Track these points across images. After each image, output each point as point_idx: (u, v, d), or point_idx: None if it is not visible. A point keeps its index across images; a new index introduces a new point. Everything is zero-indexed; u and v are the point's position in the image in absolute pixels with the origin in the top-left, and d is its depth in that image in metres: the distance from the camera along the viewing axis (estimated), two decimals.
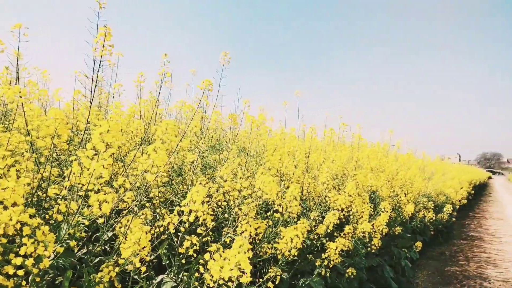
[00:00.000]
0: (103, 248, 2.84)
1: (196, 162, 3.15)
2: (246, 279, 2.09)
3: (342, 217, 4.44)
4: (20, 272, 1.88)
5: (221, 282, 2.63)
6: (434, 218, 7.10)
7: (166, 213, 3.30)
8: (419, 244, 6.63)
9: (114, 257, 2.47)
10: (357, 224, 4.99)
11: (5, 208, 1.86)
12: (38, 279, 1.97)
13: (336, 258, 4.06)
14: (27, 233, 1.85)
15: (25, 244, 1.88)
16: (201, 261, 2.55)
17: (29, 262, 1.86)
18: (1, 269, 1.92)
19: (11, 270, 1.88)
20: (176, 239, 3.10)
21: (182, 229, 2.62)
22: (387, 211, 5.02)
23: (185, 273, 3.31)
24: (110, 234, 2.81)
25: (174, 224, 2.66)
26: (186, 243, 2.93)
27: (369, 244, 5.08)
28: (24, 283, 1.93)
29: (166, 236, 2.97)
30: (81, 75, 3.63)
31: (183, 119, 5.10)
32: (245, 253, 2.10)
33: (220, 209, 3.76)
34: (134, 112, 3.28)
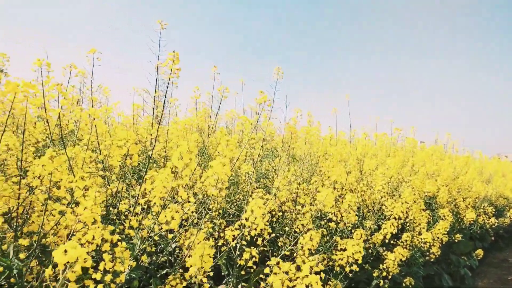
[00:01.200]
0: (167, 258, 2.94)
1: (252, 173, 3.17)
2: None
3: (399, 225, 4.28)
4: (100, 287, 1.99)
5: None
6: (495, 224, 6.66)
7: (224, 223, 3.36)
8: (480, 252, 6.25)
9: (179, 269, 2.54)
10: (414, 232, 4.79)
11: (85, 225, 1.98)
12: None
13: (395, 269, 3.92)
14: (106, 249, 1.96)
15: (104, 260, 1.99)
16: (261, 275, 2.57)
17: (108, 277, 1.96)
18: (82, 283, 2.04)
19: (91, 285, 1.99)
20: (234, 250, 3.13)
21: (243, 242, 2.64)
22: (447, 219, 4.77)
23: (244, 284, 3.35)
24: (173, 245, 2.90)
25: (234, 236, 2.69)
26: (246, 255, 2.95)
27: (427, 253, 4.86)
28: None
29: (226, 247, 3.02)
30: (139, 90, 3.79)
31: (233, 126, 5.18)
32: (317, 274, 2.08)
33: (274, 218, 3.77)
34: (191, 125, 3.37)
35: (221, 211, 3.27)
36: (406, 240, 4.51)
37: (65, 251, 1.20)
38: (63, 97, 2.13)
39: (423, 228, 4.67)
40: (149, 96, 3.09)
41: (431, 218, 5.12)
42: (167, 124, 3.20)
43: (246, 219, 2.67)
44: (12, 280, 2.06)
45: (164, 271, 2.68)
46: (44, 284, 1.54)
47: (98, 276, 2.04)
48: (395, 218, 4.10)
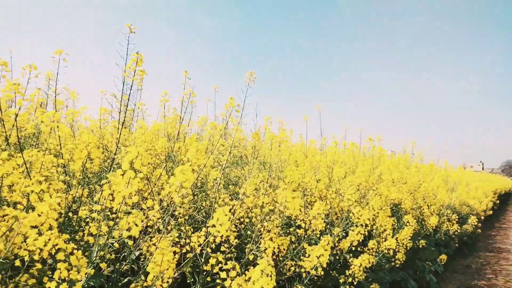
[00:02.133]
0: (130, 267, 2.87)
1: (220, 179, 3.16)
2: None
3: (365, 232, 4.37)
4: None
5: None
6: (458, 230, 6.91)
7: (190, 230, 3.32)
8: (443, 257, 6.46)
9: (141, 277, 2.49)
10: (380, 238, 4.90)
11: (40, 233, 1.91)
12: None
13: (361, 275, 3.99)
14: (61, 258, 1.89)
15: (59, 269, 1.93)
16: (218, 280, 2.56)
17: (63, 286, 1.90)
18: None
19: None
20: (200, 257, 3.11)
21: (208, 249, 2.63)
22: (411, 225, 4.92)
23: None
24: (137, 253, 2.84)
25: (199, 243, 2.67)
26: (212, 261, 2.93)
27: (393, 259, 4.98)
28: None
29: (191, 254, 2.99)
30: (107, 94, 3.72)
31: (203, 133, 5.16)
32: (269, 276, 2.09)
33: (242, 225, 3.77)
34: (158, 130, 3.34)
35: (187, 218, 3.24)
36: (372, 248, 4.61)
37: None
38: (21, 97, 2.06)
39: (389, 234, 4.79)
40: (117, 100, 3.05)
41: (396, 224, 5.26)
42: (135, 130, 3.16)
43: (213, 226, 2.66)
44: None
45: (126, 279, 2.62)
46: None
47: (53, 285, 1.97)
48: (362, 225, 4.19)
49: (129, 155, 1.95)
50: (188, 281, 3.24)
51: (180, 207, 3.11)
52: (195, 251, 2.94)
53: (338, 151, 4.95)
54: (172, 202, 2.79)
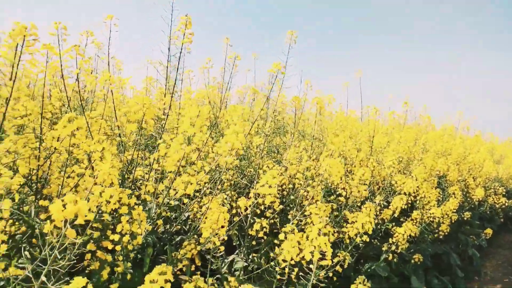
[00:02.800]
0: (180, 227, 2.99)
1: (263, 145, 3.18)
2: (327, 262, 2.10)
3: (409, 202, 4.29)
4: (118, 248, 2.05)
5: (292, 262, 2.68)
6: (506, 204, 6.63)
7: (235, 195, 3.40)
8: (489, 231, 6.24)
9: (194, 236, 2.60)
10: (424, 210, 4.79)
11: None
12: (132, 255, 2.13)
13: (404, 244, 3.94)
14: (124, 212, 2.00)
15: (122, 222, 2.04)
16: (275, 241, 2.62)
17: (126, 238, 2.02)
18: (100, 244, 2.10)
19: (110, 246, 2.05)
20: (245, 221, 3.18)
21: (257, 211, 2.68)
22: (457, 197, 4.76)
23: (254, 254, 3.41)
24: (186, 214, 2.95)
25: (249, 206, 2.73)
26: (256, 226, 3.00)
27: (436, 230, 4.88)
28: (120, 258, 2.10)
29: (237, 218, 3.06)
30: (153, 62, 3.78)
31: (243, 103, 5.16)
32: (326, 235, 2.10)
33: (284, 192, 3.80)
34: (203, 97, 3.38)
35: (232, 183, 3.31)
36: (416, 218, 4.52)
37: (64, 205, 1.17)
38: (81, 58, 2.14)
39: (433, 205, 4.67)
40: (163, 68, 3.09)
41: (441, 196, 5.11)
42: (179, 96, 3.20)
43: (262, 186, 2.69)
44: (33, 240, 2.12)
45: (179, 238, 2.73)
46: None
47: (116, 237, 2.10)
48: (405, 194, 4.11)
49: (189, 113, 1.99)
50: (234, 244, 3.34)
51: (226, 172, 3.17)
52: (241, 215, 3.01)
53: (380, 119, 4.82)
54: (218, 166, 2.85)
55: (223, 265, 3.10)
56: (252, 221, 3.15)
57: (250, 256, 3.31)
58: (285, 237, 2.63)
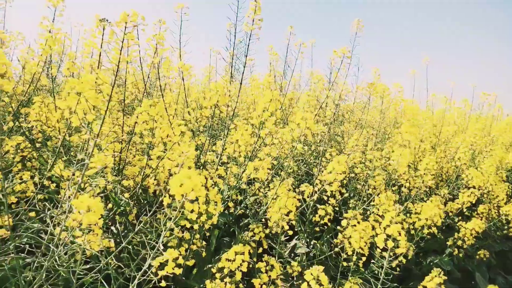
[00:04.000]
0: (243, 211, 3.07)
1: (327, 133, 3.15)
2: (402, 250, 2.06)
3: (477, 195, 4.06)
4: (196, 227, 2.15)
5: (359, 250, 2.66)
6: None
7: (295, 183, 3.41)
8: None
9: (261, 219, 2.66)
10: (491, 205, 4.51)
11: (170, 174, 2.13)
12: (208, 234, 2.23)
13: (471, 239, 3.76)
14: (201, 194, 2.09)
15: (198, 202, 2.14)
16: (338, 227, 2.62)
17: (203, 218, 2.12)
18: (178, 223, 2.22)
19: (188, 224, 2.16)
20: (307, 207, 3.19)
21: (324, 197, 2.68)
22: None
23: (315, 241, 3.42)
24: (252, 199, 3.02)
25: (315, 193, 2.74)
26: (321, 212, 3.00)
27: (505, 227, 4.58)
28: (197, 236, 2.21)
29: (299, 203, 3.08)
30: (215, 51, 3.86)
31: (298, 91, 5.13)
32: (400, 223, 2.06)
33: (344, 181, 3.76)
34: (270, 83, 3.40)
35: (294, 170, 3.32)
36: (482, 212, 4.29)
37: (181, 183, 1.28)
38: (161, 47, 2.25)
39: (502, 200, 4.38)
40: (229, 55, 3.15)
41: (511, 191, 4.78)
42: (244, 83, 3.25)
43: (330, 172, 2.68)
44: (117, 218, 2.29)
45: (246, 220, 2.81)
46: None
47: (193, 216, 2.21)
48: (474, 188, 3.90)
49: (261, 102, 2.02)
50: (296, 229, 3.38)
51: (291, 159, 3.19)
52: (302, 202, 3.02)
53: (447, 108, 4.57)
54: (284, 152, 2.87)
55: (285, 249, 3.15)
56: (314, 208, 3.15)
57: (312, 243, 3.33)
58: (348, 224, 2.62)
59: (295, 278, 2.95)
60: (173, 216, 1.32)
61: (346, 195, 3.04)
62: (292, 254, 3.32)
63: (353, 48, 3.08)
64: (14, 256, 1.49)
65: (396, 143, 3.32)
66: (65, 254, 1.42)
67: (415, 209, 3.40)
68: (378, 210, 3.04)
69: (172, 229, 2.30)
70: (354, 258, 2.62)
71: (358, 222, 2.49)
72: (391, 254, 2.08)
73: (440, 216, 2.96)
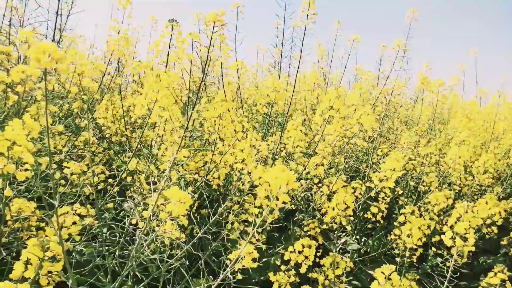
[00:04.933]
0: (295, 206, 3.10)
1: (380, 129, 3.12)
2: (469, 248, 2.03)
3: None
4: (258, 220, 2.21)
5: (414, 247, 2.62)
6: None
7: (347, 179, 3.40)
8: None
9: (316, 215, 2.69)
10: None
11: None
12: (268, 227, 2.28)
13: None
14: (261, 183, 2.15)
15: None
16: (395, 223, 2.61)
17: (266, 212, 2.17)
18: (240, 217, 2.30)
19: (250, 218, 2.23)
20: (358, 205, 3.18)
21: (382, 194, 2.66)
22: None
23: (365, 238, 3.41)
24: (302, 195, 3.04)
25: (373, 189, 2.72)
26: (373, 209, 2.97)
27: None
28: (259, 230, 2.27)
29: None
30: (262, 48, 3.89)
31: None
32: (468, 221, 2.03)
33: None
34: (317, 80, 3.41)
35: (347, 166, 3.31)
36: None
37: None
38: (226, 46, 2.32)
39: None
40: (278, 51, 3.18)
41: None
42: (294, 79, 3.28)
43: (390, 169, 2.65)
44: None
45: (301, 216, 2.84)
46: None
47: (255, 210, 2.27)
48: None
49: (325, 99, 2.04)
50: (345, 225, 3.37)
51: (347, 155, 3.18)
52: (356, 199, 3.01)
53: (498, 104, 4.38)
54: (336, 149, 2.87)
55: (336, 246, 3.16)
56: (365, 205, 3.13)
57: (362, 239, 3.32)
58: (405, 221, 2.59)
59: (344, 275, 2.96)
60: (265, 206, 1.38)
61: (401, 191, 3.00)
62: (340, 251, 3.32)
63: (407, 41, 3.03)
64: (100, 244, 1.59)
65: (450, 139, 3.24)
66: (150, 242, 1.50)
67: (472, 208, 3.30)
68: (433, 207, 2.99)
69: (232, 223, 2.38)
70: (408, 254, 2.59)
71: (417, 217, 2.46)
72: (452, 252, 2.05)
73: (500, 213, 2.86)
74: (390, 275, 1.65)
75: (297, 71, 2.51)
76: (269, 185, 1.33)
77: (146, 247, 1.48)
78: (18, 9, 2.31)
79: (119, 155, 2.38)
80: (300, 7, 2.63)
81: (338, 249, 3.26)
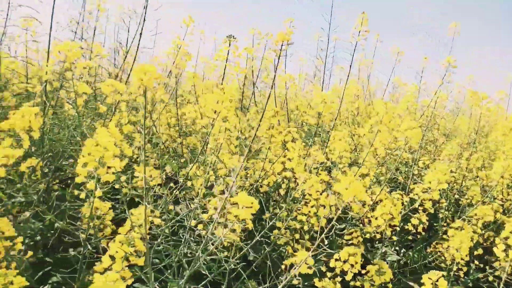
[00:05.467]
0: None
1: (421, 141, 3.14)
2: None
3: None
4: (306, 227, 2.31)
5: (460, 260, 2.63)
6: None
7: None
8: None
9: (359, 224, 2.75)
10: None
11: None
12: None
13: None
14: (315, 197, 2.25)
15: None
16: (445, 236, 2.62)
17: (313, 220, 2.27)
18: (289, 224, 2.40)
19: (297, 225, 2.33)
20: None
21: (427, 205, 2.69)
22: None
23: (405, 250, 3.42)
24: (343, 204, 3.10)
25: (415, 200, 2.76)
26: (414, 221, 3.00)
27: None
28: (307, 237, 2.36)
29: None
30: (305, 60, 4.00)
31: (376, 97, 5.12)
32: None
33: None
34: (357, 91, 3.48)
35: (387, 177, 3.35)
36: None
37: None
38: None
39: None
40: (320, 62, 3.28)
41: None
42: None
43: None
44: None
45: (343, 225, 2.90)
46: None
47: (303, 218, 2.37)
48: None
49: (375, 111, 2.11)
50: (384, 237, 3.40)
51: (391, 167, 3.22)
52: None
53: None
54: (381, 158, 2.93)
55: (375, 256, 3.18)
56: (405, 216, 3.15)
57: (402, 251, 3.33)
58: (454, 234, 2.60)
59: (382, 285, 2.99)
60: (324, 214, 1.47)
61: (445, 203, 3.01)
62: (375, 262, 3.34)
63: (450, 55, 3.06)
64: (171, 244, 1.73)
65: (492, 152, 3.22)
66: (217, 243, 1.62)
67: None
68: (477, 221, 2.98)
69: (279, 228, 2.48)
70: (455, 268, 2.60)
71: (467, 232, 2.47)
72: (503, 264, 2.05)
73: None
74: (437, 280, 1.69)
75: (346, 83, 2.60)
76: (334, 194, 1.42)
77: (210, 246, 1.60)
78: (90, 24, 2.53)
79: (173, 160, 2.54)
80: (353, 24, 2.72)
81: (377, 259, 3.29)
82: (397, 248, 3.33)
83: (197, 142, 2.87)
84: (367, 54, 3.85)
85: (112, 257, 1.35)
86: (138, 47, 2.23)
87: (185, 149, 2.84)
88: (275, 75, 1.77)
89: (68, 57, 1.57)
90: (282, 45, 1.69)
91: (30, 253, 1.53)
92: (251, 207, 1.46)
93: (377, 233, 2.60)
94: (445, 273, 2.68)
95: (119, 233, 1.68)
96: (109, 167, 1.44)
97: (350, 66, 2.64)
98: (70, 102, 1.67)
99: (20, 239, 1.51)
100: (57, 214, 1.89)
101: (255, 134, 2.10)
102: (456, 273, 2.61)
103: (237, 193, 1.49)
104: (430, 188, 2.60)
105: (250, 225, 1.52)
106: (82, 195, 1.39)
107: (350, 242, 2.71)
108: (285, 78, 2.58)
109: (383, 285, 2.21)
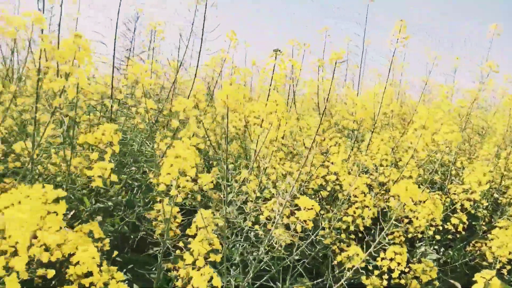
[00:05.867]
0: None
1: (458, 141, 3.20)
2: None
3: None
4: (352, 227, 2.45)
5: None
6: None
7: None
8: None
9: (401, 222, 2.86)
10: None
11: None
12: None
13: None
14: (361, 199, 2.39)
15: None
16: (490, 235, 2.68)
17: (359, 220, 2.40)
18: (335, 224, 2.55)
19: (343, 226, 2.47)
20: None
21: (467, 205, 2.76)
22: None
23: (444, 249, 3.48)
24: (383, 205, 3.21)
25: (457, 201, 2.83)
26: (454, 220, 3.06)
27: None
28: (352, 236, 2.50)
29: None
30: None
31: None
32: None
33: None
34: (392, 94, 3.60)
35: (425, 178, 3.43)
36: None
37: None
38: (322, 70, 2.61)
39: None
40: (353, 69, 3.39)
41: None
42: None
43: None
44: None
45: (384, 224, 3.01)
46: None
47: (349, 219, 2.51)
48: None
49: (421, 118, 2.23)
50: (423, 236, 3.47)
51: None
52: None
53: None
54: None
55: (415, 255, 3.27)
56: (444, 215, 3.21)
57: (441, 250, 3.39)
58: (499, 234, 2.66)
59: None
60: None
61: (485, 204, 3.06)
62: (415, 261, 3.41)
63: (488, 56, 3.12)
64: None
65: None
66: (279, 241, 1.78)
67: None
68: None
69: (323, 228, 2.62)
70: (498, 265, 2.66)
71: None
72: None
73: None
74: (491, 279, 1.78)
75: (385, 88, 2.72)
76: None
77: (274, 245, 1.76)
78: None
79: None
80: (391, 32, 2.84)
81: (417, 258, 3.37)
82: (435, 247, 3.39)
83: (240, 148, 3.06)
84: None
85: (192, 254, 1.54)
86: (198, 64, 2.43)
87: (229, 155, 3.02)
88: (329, 92, 1.92)
89: (141, 78, 1.78)
90: (336, 63, 1.83)
91: (115, 252, 1.74)
92: (312, 209, 1.61)
93: (418, 232, 2.69)
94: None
95: (187, 235, 1.87)
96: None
97: (389, 70, 2.75)
98: (140, 117, 1.88)
99: (107, 240, 1.72)
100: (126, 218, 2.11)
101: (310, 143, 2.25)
102: (500, 272, 2.66)
103: (298, 197, 1.64)
104: (470, 188, 2.66)
105: (310, 225, 1.68)
106: (165, 201, 1.58)
107: (392, 241, 2.81)
108: (326, 87, 2.73)
109: (428, 282, 2.30)
